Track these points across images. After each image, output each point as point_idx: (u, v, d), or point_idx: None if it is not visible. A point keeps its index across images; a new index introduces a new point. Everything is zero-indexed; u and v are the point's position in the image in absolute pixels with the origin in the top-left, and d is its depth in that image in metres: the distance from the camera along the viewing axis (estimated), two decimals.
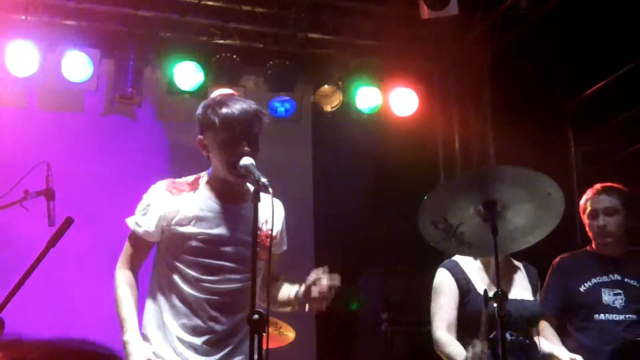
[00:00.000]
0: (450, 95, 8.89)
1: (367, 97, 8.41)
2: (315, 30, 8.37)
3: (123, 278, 3.86)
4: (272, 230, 3.74)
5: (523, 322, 4.49)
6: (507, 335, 3.97)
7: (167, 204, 3.84)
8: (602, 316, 5.11)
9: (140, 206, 3.90)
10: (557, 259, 5.42)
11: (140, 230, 3.86)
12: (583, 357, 4.79)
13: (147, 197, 3.91)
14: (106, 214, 7.07)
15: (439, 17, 7.40)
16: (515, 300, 4.51)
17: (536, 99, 7.92)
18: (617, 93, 7.57)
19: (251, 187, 3.74)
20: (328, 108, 8.42)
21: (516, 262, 4.83)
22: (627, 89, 7.47)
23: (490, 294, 3.79)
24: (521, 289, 4.68)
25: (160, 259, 3.91)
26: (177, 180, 3.97)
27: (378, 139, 8.35)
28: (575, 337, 5.17)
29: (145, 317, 3.89)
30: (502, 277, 4.41)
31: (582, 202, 5.38)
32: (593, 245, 5.40)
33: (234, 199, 3.91)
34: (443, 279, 4.67)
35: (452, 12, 7.26)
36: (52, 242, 3.54)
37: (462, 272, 4.63)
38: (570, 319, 5.24)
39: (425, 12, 7.30)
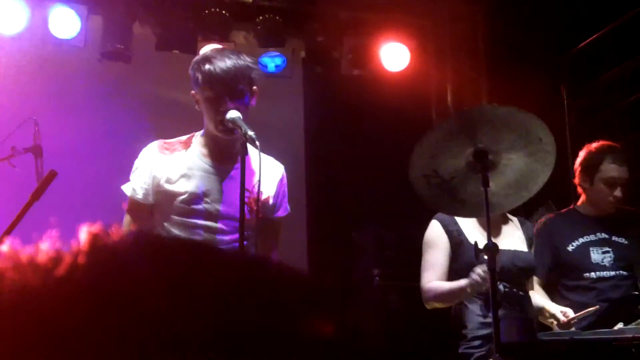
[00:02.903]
0: (443, 50, 8.80)
1: (358, 52, 8.33)
2: None
3: None
4: (258, 186, 3.69)
5: (516, 272, 4.47)
6: (501, 287, 3.95)
7: (159, 164, 3.82)
8: (592, 274, 5.10)
9: (134, 171, 3.90)
10: (542, 219, 5.36)
11: (137, 195, 3.85)
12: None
13: (139, 161, 3.91)
14: (94, 170, 7.05)
15: None
16: (509, 250, 4.49)
17: (530, 52, 7.85)
18: (612, 46, 7.50)
19: None
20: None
21: (511, 216, 4.81)
22: (621, 42, 7.41)
23: (481, 246, 3.76)
24: (516, 241, 4.67)
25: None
26: (170, 140, 3.96)
27: (370, 94, 8.28)
28: (567, 295, 5.14)
29: None
30: (496, 229, 4.41)
31: (593, 159, 5.20)
32: (582, 204, 5.36)
33: (225, 159, 3.88)
34: (434, 233, 4.65)
35: None
36: (36, 195, 3.51)
37: (455, 223, 4.61)
38: (560, 278, 5.22)
39: None
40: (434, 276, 4.56)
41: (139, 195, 3.85)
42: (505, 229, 4.70)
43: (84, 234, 0.85)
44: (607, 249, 5.15)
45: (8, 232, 3.41)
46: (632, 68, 7.31)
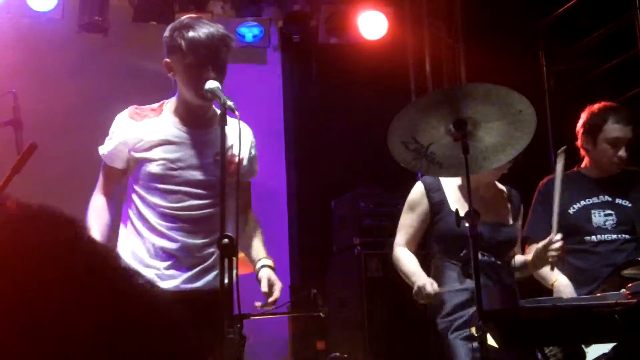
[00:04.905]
0: (420, 17, 8.80)
1: (335, 21, 8.31)
2: None
3: (92, 204, 3.91)
4: (238, 155, 3.68)
5: (495, 245, 4.48)
6: (478, 256, 3.96)
7: (129, 130, 3.86)
8: (593, 237, 4.95)
9: (108, 137, 3.95)
10: (544, 180, 5.17)
11: (109, 159, 3.91)
12: (579, 280, 4.78)
13: (112, 127, 3.95)
14: (74, 142, 7.02)
15: None
16: (491, 223, 4.49)
17: (508, 18, 7.86)
18: (589, 12, 7.52)
19: (218, 111, 3.71)
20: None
21: (500, 186, 4.78)
22: (599, 8, 7.42)
23: (462, 214, 3.77)
24: (501, 213, 4.65)
25: (129, 187, 3.94)
26: (142, 106, 3.97)
27: (347, 62, 8.27)
28: (569, 260, 4.94)
29: (119, 244, 3.92)
30: (482, 200, 4.41)
31: (596, 120, 5.01)
32: (585, 166, 5.18)
33: (199, 124, 3.90)
34: (415, 195, 4.66)
35: None
36: (17, 168, 3.51)
37: (439, 188, 4.61)
38: None
39: None
40: (403, 239, 4.64)
41: (110, 160, 3.91)
42: (491, 199, 4.67)
43: None
44: (610, 211, 5.00)
45: None
46: (610, 33, 7.33)
